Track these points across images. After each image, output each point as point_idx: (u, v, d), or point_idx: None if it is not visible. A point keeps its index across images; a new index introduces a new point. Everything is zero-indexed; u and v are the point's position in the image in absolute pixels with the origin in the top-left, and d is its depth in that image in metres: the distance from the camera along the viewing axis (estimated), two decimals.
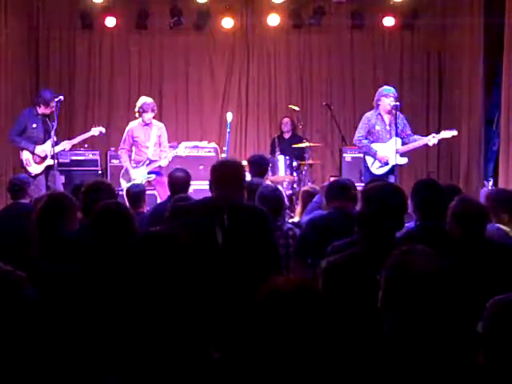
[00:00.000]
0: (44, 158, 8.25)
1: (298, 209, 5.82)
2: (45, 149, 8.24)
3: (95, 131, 8.63)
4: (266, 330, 1.67)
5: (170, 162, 8.18)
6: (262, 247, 3.85)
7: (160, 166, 8.18)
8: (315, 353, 1.67)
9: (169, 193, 6.05)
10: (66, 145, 8.43)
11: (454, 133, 7.96)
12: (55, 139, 8.19)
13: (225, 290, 3.59)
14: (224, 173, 3.97)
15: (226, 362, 1.81)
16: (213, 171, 4.02)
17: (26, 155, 8.24)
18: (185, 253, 1.99)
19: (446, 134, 7.91)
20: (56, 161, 8.18)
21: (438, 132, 8.18)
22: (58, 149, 8.26)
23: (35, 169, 8.22)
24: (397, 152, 7.67)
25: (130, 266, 1.98)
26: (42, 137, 8.29)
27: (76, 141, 8.65)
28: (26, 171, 8.13)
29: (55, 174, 8.32)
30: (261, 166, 6.61)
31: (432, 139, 7.84)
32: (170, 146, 8.57)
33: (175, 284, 1.92)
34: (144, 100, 8.17)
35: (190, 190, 8.49)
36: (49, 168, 8.30)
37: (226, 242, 3.76)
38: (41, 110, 8.30)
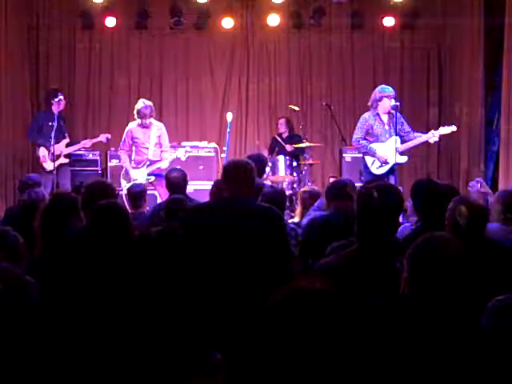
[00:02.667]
0: (58, 156, 8.78)
1: (298, 209, 5.81)
2: (59, 147, 8.80)
3: (103, 137, 9.11)
4: (286, 332, 1.65)
5: (170, 162, 8.17)
6: (274, 248, 3.85)
7: (160, 168, 8.15)
8: (334, 355, 1.66)
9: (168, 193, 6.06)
10: (72, 148, 9.12)
11: (453, 128, 7.91)
12: (54, 139, 8.37)
13: (234, 290, 3.59)
14: (235, 173, 3.98)
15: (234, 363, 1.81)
16: (224, 171, 4.04)
17: (42, 152, 8.79)
18: (185, 251, 1.99)
19: (445, 129, 7.87)
20: (54, 161, 8.52)
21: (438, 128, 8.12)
22: (67, 151, 8.95)
23: (50, 165, 8.67)
24: (396, 151, 7.64)
25: (131, 266, 1.98)
26: (55, 136, 8.65)
27: (85, 145, 9.22)
28: (42, 167, 8.78)
29: (65, 171, 8.91)
30: (260, 164, 6.60)
31: (432, 136, 7.79)
32: (171, 147, 8.56)
33: (175, 283, 1.92)
34: (141, 105, 8.05)
35: (191, 189, 8.56)
36: (61, 166, 8.85)
37: (238, 243, 3.76)
38: (54, 107, 8.83)
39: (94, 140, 9.14)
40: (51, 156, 8.60)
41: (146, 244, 2.02)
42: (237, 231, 3.81)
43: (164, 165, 8.10)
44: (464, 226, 3.61)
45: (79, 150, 9.38)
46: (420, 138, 7.80)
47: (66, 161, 8.90)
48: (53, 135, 8.42)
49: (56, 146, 8.66)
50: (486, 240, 3.67)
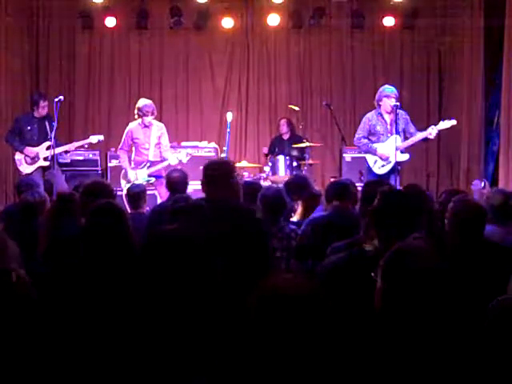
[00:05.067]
0: (34, 159, 8.51)
1: (299, 209, 5.80)
2: (38, 151, 8.49)
3: (93, 139, 8.78)
4: (265, 330, 1.65)
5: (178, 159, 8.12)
6: (253, 249, 3.78)
7: (160, 170, 8.07)
8: (316, 352, 1.66)
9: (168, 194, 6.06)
10: (60, 149, 8.61)
11: (453, 122, 7.86)
12: (54, 140, 8.26)
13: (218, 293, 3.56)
14: (214, 173, 3.88)
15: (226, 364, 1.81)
16: (204, 172, 3.93)
17: (18, 155, 8.59)
18: (201, 253, 2.00)
19: (445, 124, 7.84)
20: (54, 161, 8.31)
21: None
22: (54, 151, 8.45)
23: (25, 169, 8.51)
24: (397, 149, 7.62)
25: (148, 265, 1.97)
26: (36, 139, 8.55)
27: (73, 147, 8.85)
28: (18, 170, 8.60)
29: (54, 173, 8.39)
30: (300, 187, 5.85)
31: (432, 131, 7.74)
32: (171, 147, 8.54)
33: (191, 283, 1.93)
34: (144, 102, 8.03)
35: (190, 189, 8.49)
36: (45, 169, 8.52)
37: (218, 245, 3.70)
38: (36, 112, 8.56)
39: (83, 142, 8.82)
40: (28, 159, 8.48)
41: (169, 242, 2.01)
42: (219, 238, 3.73)
43: (173, 161, 7.98)
44: (463, 226, 3.61)
45: (73, 151, 9.10)
46: (419, 134, 7.77)
47: (46, 164, 8.43)
48: (36, 138, 8.40)
49: (30, 148, 8.46)
50: (484, 240, 3.66)
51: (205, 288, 1.94)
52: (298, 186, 5.70)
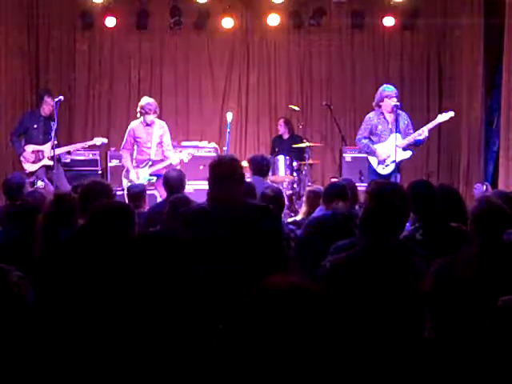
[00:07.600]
0: (39, 157, 8.55)
1: (304, 208, 5.80)
2: (43, 149, 8.54)
3: (97, 141, 8.81)
4: (258, 331, 1.66)
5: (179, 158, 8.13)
6: (268, 245, 3.77)
7: (161, 169, 8.05)
8: (313, 352, 1.66)
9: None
10: (62, 150, 8.74)
11: (451, 114, 7.86)
12: (55, 140, 8.26)
13: (227, 289, 3.55)
14: (222, 170, 3.83)
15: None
16: (211, 169, 3.88)
17: (24, 153, 8.61)
18: (182, 254, 2.00)
19: (444, 116, 7.84)
20: (54, 161, 8.30)
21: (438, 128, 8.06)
22: (57, 152, 8.49)
23: (29, 167, 8.54)
24: (397, 147, 7.59)
25: (129, 264, 1.98)
26: (42, 137, 8.57)
27: (76, 147, 8.95)
28: (22, 168, 8.58)
29: (55, 172, 8.40)
30: (260, 165, 6.58)
31: (431, 127, 7.72)
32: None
33: (171, 285, 1.93)
34: (146, 101, 8.02)
35: (191, 189, 8.52)
36: (49, 168, 8.53)
37: (230, 242, 3.69)
38: (41, 109, 8.59)
39: (88, 143, 8.87)
40: (33, 157, 8.52)
41: (144, 244, 2.02)
42: (234, 240, 3.71)
43: (174, 161, 7.99)
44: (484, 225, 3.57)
45: (73, 151, 9.15)
46: (419, 130, 7.72)
47: (50, 163, 8.43)
48: (42, 137, 8.44)
49: (39, 147, 8.51)
50: (505, 243, 3.62)
51: (188, 290, 1.95)
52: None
